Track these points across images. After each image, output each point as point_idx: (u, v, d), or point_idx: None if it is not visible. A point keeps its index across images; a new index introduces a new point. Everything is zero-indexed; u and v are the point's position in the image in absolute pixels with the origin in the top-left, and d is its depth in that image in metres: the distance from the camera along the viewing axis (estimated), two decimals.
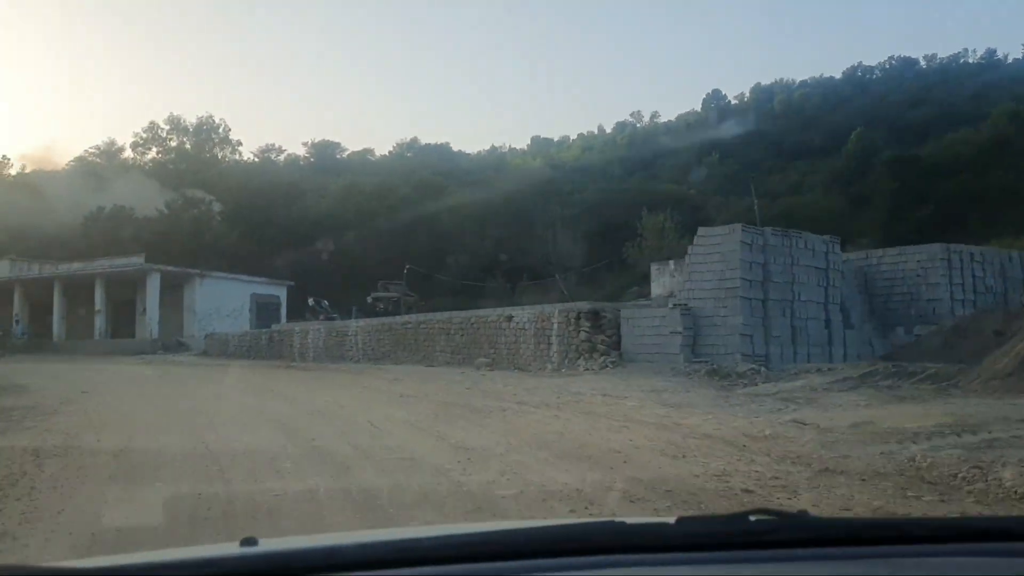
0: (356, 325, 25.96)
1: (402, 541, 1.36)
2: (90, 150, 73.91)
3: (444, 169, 65.68)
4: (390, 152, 78.00)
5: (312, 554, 1.27)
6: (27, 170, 71.44)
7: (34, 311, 38.52)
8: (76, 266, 36.35)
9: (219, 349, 30.26)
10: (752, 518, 1.43)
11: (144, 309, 36.00)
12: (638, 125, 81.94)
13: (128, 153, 70.67)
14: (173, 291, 36.85)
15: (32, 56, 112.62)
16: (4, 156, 64.12)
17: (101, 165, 69.39)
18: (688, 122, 77.00)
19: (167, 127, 69.38)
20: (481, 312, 22.46)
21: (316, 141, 78.56)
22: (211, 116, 70.06)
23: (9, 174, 68.87)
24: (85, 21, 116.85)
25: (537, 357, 19.46)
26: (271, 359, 27.41)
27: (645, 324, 17.95)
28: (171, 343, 34.57)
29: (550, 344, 19.28)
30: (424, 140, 79.91)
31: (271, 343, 28.41)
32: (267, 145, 76.06)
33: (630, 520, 1.52)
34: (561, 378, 16.75)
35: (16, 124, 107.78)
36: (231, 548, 1.29)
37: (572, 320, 18.75)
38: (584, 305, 19.60)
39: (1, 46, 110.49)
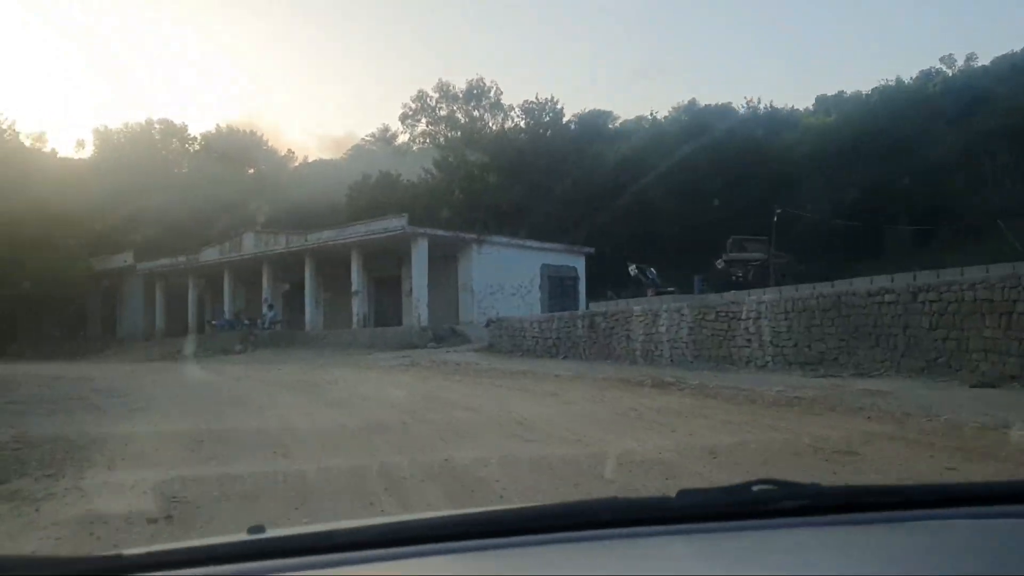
0: (755, 302, 14.24)
1: (395, 522, 1.29)
2: (366, 138, 70.74)
3: (730, 130, 52.40)
4: (664, 118, 65.50)
5: (308, 538, 1.24)
6: (310, 159, 71.14)
7: (289, 294, 31.80)
8: (327, 234, 28.53)
9: (510, 342, 20.26)
10: (755, 488, 1.31)
11: (410, 288, 27.36)
12: (949, 72, 61.72)
13: (401, 137, 65.74)
14: (445, 264, 27.90)
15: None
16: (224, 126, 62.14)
17: (376, 153, 65.78)
18: (1013, 63, 56.89)
19: (436, 95, 63.16)
20: None
21: (585, 111, 68.30)
22: (482, 79, 62.37)
23: (293, 165, 69.06)
24: None
25: None
26: (596, 359, 16.67)
27: None
28: (444, 332, 25.47)
29: None
30: (702, 103, 64.86)
31: (592, 333, 17.63)
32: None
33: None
34: None
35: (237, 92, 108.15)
36: (238, 536, 1.23)
37: None
38: None
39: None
